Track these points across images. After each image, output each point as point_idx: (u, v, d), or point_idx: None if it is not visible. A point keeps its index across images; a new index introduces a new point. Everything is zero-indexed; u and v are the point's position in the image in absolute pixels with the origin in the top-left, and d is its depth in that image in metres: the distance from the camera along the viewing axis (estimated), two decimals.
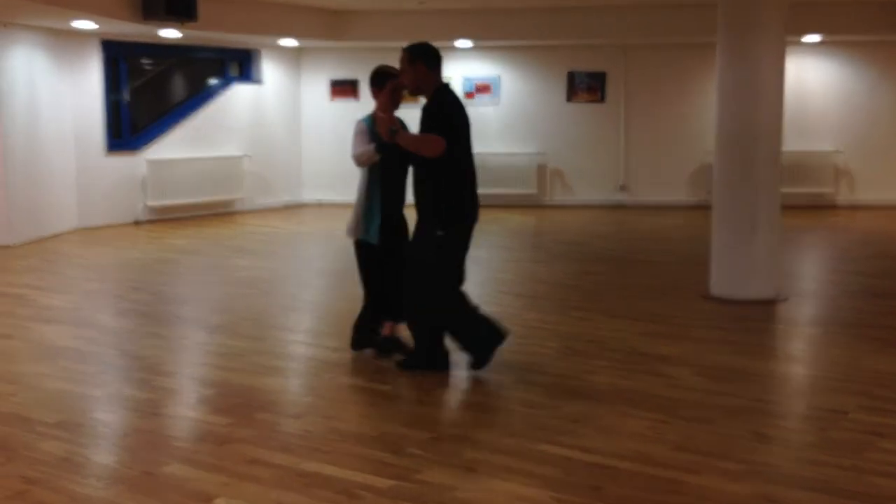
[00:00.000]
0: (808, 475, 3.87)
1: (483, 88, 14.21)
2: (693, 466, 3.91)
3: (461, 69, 14.22)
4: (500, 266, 9.44)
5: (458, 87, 14.17)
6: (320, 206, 14.38)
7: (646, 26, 12.75)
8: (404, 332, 5.59)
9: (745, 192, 7.21)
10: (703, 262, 7.62)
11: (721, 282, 7.39)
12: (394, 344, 5.60)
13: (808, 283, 8.25)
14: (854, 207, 13.53)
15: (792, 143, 12.91)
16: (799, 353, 6.10)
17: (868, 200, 13.55)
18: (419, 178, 5.28)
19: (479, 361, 5.34)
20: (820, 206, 13.47)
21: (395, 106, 5.44)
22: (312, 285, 8.51)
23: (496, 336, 5.36)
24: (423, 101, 5.31)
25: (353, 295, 5.82)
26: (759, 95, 7.14)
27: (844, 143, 13.59)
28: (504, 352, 5.87)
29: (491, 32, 13.19)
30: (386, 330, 5.64)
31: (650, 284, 8.10)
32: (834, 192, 13.70)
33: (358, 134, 5.43)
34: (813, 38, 12.91)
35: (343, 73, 14.39)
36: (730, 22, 7.25)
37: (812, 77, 13.64)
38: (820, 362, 5.81)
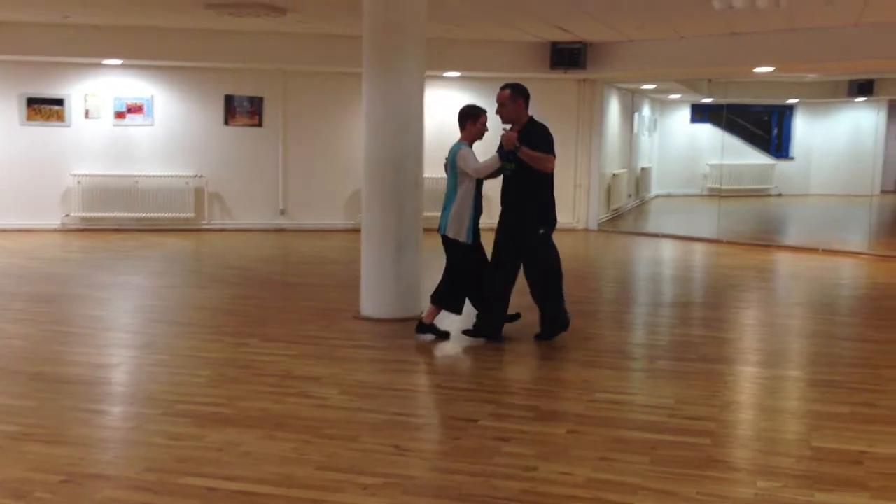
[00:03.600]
0: (441, 483, 4.13)
1: (135, 108, 13.61)
2: (334, 485, 4.02)
3: (110, 88, 13.57)
4: (154, 293, 9.10)
5: (107, 107, 13.52)
6: None
7: (302, 53, 12.99)
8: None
9: (389, 216, 7.59)
10: (357, 283, 7.89)
11: (370, 302, 7.69)
12: (432, 330, 6.91)
13: None
14: (490, 229, 14.64)
15: (437, 170, 13.75)
16: (437, 366, 6.51)
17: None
18: (522, 188, 6.59)
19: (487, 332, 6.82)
20: None
21: (481, 136, 6.86)
22: None
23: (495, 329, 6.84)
24: None
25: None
26: (401, 125, 7.57)
27: None
28: (152, 383, 5.74)
29: (142, 51, 12.72)
30: (428, 317, 6.93)
31: (307, 307, 8.22)
32: None
33: (467, 155, 6.70)
34: (453, 73, 13.91)
35: None
36: (373, 55, 7.60)
37: (454, 109, 14.61)
38: (456, 374, 6.24)
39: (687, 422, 5.03)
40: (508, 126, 6.70)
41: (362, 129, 7.77)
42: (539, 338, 6.87)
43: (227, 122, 14.09)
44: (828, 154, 23.05)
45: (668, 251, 13.04)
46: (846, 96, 20.97)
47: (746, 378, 6.19)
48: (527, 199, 6.65)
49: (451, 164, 6.79)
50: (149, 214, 13.72)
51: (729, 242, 13.70)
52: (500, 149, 6.62)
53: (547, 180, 6.68)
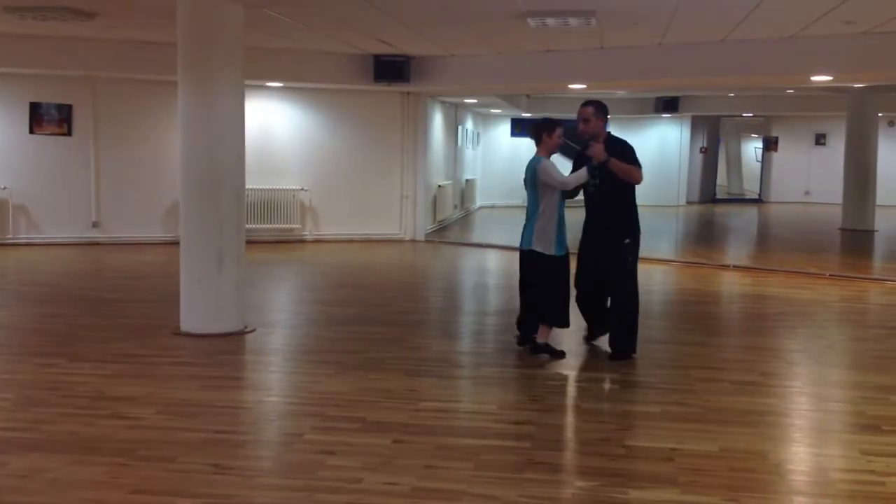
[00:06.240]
0: (263, 501, 4.03)
1: None
2: None
3: None
4: None
5: None
6: None
7: (114, 60, 12.39)
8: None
9: (209, 229, 7.38)
10: (176, 298, 7.61)
11: (190, 317, 7.45)
12: (546, 350, 6.84)
13: (275, 315, 8.65)
14: (318, 241, 14.63)
15: (261, 181, 13.55)
16: (262, 381, 6.35)
17: (330, 235, 14.74)
18: (611, 199, 6.84)
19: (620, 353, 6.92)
20: (288, 241, 14.33)
21: (557, 148, 6.92)
22: None
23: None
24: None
25: None
26: (220, 135, 7.37)
27: (309, 182, 14.62)
28: None
29: None
30: (541, 337, 6.91)
31: (122, 324, 7.85)
32: (301, 228, 14.64)
33: (550, 168, 6.71)
34: (276, 83, 13.71)
35: None
36: (188, 63, 7.38)
37: (278, 120, 14.46)
38: (280, 389, 6.10)
39: (509, 426, 5.14)
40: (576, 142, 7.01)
41: (179, 139, 7.51)
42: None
43: (32, 131, 13.29)
44: None
45: (493, 261, 13.33)
46: (653, 112, 22.24)
47: (565, 382, 6.40)
48: (615, 214, 6.90)
49: (531, 178, 6.79)
50: None
51: None
52: (589, 163, 6.74)
53: (631, 193, 6.92)
